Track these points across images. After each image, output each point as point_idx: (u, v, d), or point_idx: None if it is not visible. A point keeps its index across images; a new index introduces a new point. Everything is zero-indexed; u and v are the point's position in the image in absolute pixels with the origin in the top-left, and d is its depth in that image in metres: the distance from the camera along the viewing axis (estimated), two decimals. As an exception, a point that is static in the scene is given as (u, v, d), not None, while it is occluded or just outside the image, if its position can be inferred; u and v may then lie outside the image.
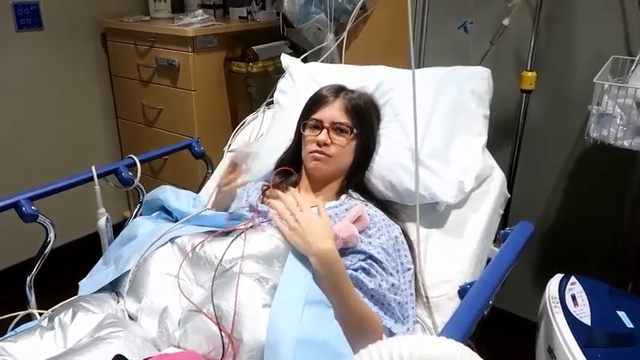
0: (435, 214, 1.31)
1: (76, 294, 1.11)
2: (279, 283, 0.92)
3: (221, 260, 0.98)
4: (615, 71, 1.42)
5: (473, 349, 0.69)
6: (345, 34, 1.85)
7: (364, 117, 1.28)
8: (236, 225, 1.07)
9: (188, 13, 2.17)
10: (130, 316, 1.02)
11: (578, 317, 1.21)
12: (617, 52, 1.47)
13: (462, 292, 1.03)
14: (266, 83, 1.98)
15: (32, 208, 1.20)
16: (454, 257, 1.26)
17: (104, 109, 2.49)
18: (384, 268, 1.07)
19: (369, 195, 1.26)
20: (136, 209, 1.46)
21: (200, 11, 2.18)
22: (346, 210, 1.16)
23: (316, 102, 1.28)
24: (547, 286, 1.33)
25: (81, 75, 2.37)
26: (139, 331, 0.94)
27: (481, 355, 0.68)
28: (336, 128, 1.23)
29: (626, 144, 1.29)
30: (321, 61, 1.81)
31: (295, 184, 1.28)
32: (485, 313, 1.23)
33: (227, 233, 1.06)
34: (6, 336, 0.97)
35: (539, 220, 1.86)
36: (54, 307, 1.06)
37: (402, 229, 1.20)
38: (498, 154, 1.49)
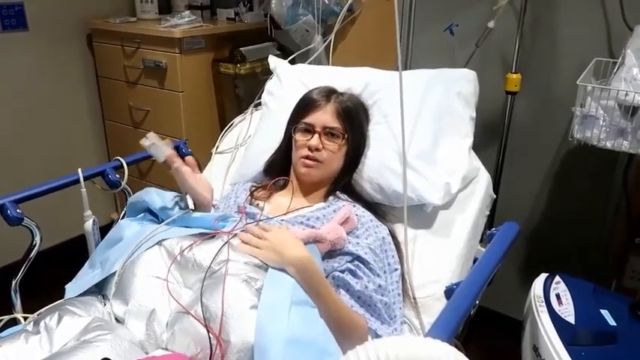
0: (422, 215, 1.32)
1: (62, 297, 1.10)
2: (264, 286, 0.93)
3: (211, 264, 0.98)
4: (598, 73, 1.45)
5: (460, 349, 0.70)
6: (332, 35, 1.86)
7: (355, 120, 1.28)
8: (223, 227, 1.07)
9: (175, 14, 2.16)
10: (116, 319, 1.02)
11: (562, 316, 1.22)
12: (599, 55, 1.49)
13: (449, 292, 1.04)
14: (254, 84, 1.98)
15: (17, 211, 1.19)
16: (441, 257, 1.27)
17: (91, 110, 2.47)
18: (371, 269, 1.08)
19: (357, 196, 1.27)
20: (123, 211, 1.45)
21: (187, 12, 2.17)
22: (334, 211, 1.16)
23: (307, 105, 1.27)
24: (532, 286, 1.34)
25: (67, 76, 2.35)
26: (126, 334, 0.94)
27: (468, 354, 0.69)
28: (328, 133, 1.23)
29: (608, 145, 1.31)
30: (309, 63, 1.81)
31: (284, 187, 1.28)
32: (472, 312, 1.25)
33: (215, 236, 1.07)
34: (-9, 340, 0.96)
35: (525, 220, 1.88)
36: (39, 311, 1.05)
37: (390, 230, 1.21)
38: (484, 155, 1.50)
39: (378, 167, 1.32)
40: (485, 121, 1.70)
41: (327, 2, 1.93)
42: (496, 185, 1.68)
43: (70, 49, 2.33)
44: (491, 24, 1.62)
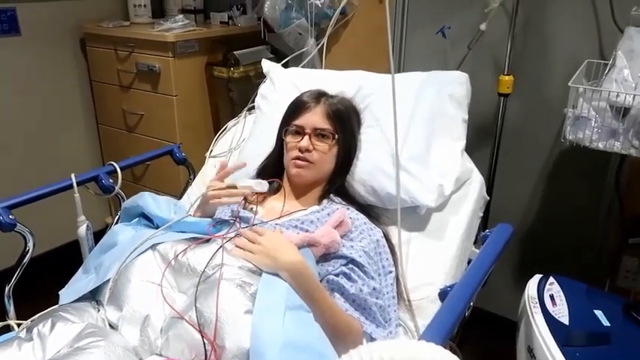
0: (415, 217, 1.32)
1: (56, 303, 1.10)
2: (258, 291, 0.93)
3: (205, 268, 0.98)
4: (589, 75, 1.45)
5: (455, 350, 0.70)
6: (325, 39, 1.86)
7: (345, 122, 1.28)
8: (218, 232, 1.07)
9: (168, 18, 2.16)
10: (110, 325, 1.01)
11: (556, 317, 1.23)
12: (591, 57, 1.50)
13: (443, 294, 1.05)
14: (248, 88, 1.98)
15: (10, 217, 1.19)
16: (435, 259, 1.27)
17: (84, 114, 2.46)
18: (365, 272, 1.08)
19: (351, 199, 1.27)
20: (117, 216, 1.45)
21: (181, 16, 2.17)
22: (328, 215, 1.17)
23: (297, 108, 1.28)
24: (526, 287, 1.35)
25: (60, 81, 2.34)
26: (120, 340, 0.93)
27: (463, 356, 0.69)
28: (318, 134, 1.24)
29: (600, 146, 1.32)
30: (302, 66, 1.82)
31: (277, 191, 1.28)
32: (467, 314, 1.25)
33: (209, 240, 1.06)
34: (-17, 348, 0.95)
35: (518, 221, 1.89)
36: (32, 318, 1.04)
37: (384, 233, 1.22)
38: (477, 157, 1.51)
39: (370, 169, 1.32)
40: (478, 123, 1.71)
41: (319, 5, 1.93)
42: (489, 187, 1.69)
43: (63, 54, 2.33)
44: (483, 26, 1.63)
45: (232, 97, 2.27)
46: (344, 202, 1.24)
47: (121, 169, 1.43)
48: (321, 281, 1.05)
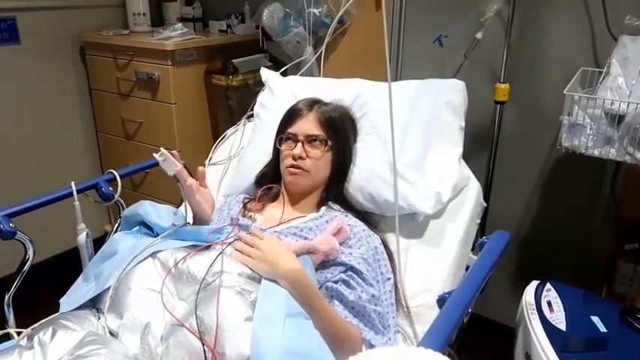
0: (413, 224, 1.33)
1: (56, 311, 1.10)
2: (258, 298, 0.94)
3: (205, 275, 0.99)
4: (584, 83, 1.47)
5: (453, 357, 0.71)
6: (323, 47, 1.88)
7: (339, 129, 1.29)
8: (217, 239, 1.08)
9: (167, 27, 2.17)
10: (111, 333, 1.01)
11: (553, 323, 1.24)
12: (585, 65, 1.52)
13: (441, 301, 1.05)
14: (246, 96, 1.99)
15: (10, 225, 1.19)
16: (433, 266, 1.28)
17: (83, 122, 2.47)
18: (364, 279, 1.09)
19: (349, 206, 1.28)
20: (117, 224, 1.45)
21: (180, 25, 2.18)
22: (327, 222, 1.17)
23: (291, 116, 1.30)
24: (524, 293, 1.35)
25: (60, 89, 2.35)
26: (120, 348, 0.94)
27: (462, 362, 0.69)
28: (310, 141, 1.25)
29: (596, 153, 1.33)
30: (301, 74, 1.83)
31: (276, 198, 1.29)
32: (465, 320, 1.26)
33: (209, 247, 1.07)
34: (-16, 356, 0.96)
35: (516, 228, 1.90)
36: (33, 326, 1.04)
37: (382, 240, 1.22)
38: (474, 164, 1.52)
39: (368, 176, 1.33)
40: (474, 130, 1.73)
41: (317, 14, 1.95)
42: (486, 194, 1.70)
43: (62, 62, 2.34)
44: (479, 35, 1.65)
45: (231, 105, 2.28)
46: (342, 209, 1.25)
47: (121, 176, 1.44)
48: (320, 288, 1.06)
